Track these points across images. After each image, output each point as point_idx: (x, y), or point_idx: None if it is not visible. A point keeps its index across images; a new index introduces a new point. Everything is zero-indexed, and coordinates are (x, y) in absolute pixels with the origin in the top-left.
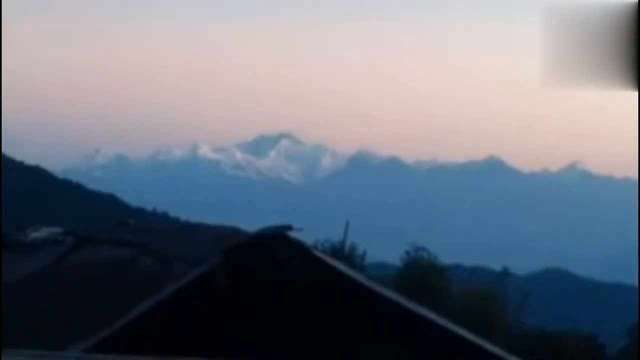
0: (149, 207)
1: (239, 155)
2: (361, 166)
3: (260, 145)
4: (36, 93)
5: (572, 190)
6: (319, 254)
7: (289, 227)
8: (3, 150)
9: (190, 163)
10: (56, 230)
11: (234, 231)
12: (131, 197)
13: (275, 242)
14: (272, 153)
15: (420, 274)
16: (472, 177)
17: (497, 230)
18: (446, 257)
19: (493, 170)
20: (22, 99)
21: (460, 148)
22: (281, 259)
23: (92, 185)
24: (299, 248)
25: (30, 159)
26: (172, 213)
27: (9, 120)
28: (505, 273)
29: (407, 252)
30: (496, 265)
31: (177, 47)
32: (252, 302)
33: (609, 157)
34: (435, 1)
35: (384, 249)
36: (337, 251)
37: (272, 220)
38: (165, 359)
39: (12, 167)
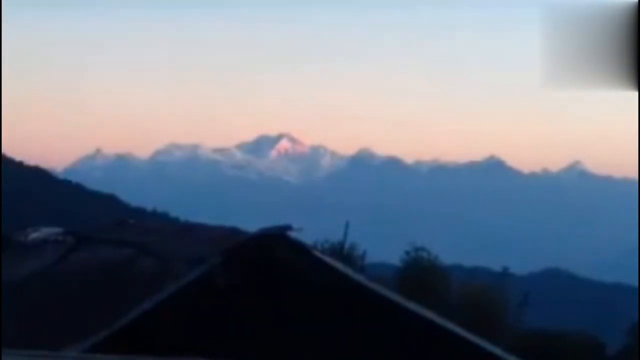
0: (149, 207)
1: (239, 156)
2: (361, 166)
3: (260, 145)
4: (36, 93)
5: (572, 191)
6: (319, 254)
7: (289, 227)
8: (3, 150)
9: (190, 163)
10: (56, 230)
11: (234, 231)
12: (131, 197)
13: (275, 242)
14: (272, 153)
15: (420, 274)
16: (472, 177)
17: (497, 231)
18: (446, 257)
19: (493, 170)
20: (22, 99)
21: (460, 148)
22: (281, 259)
23: (92, 185)
24: (299, 248)
25: (30, 159)
26: (172, 213)
27: (9, 120)
28: (505, 273)
29: (407, 252)
30: (496, 266)
31: (177, 47)
32: (252, 302)
33: (609, 157)
34: (435, 1)
35: (384, 249)
36: (337, 251)
37: (272, 221)
38: (165, 359)
39: (12, 167)
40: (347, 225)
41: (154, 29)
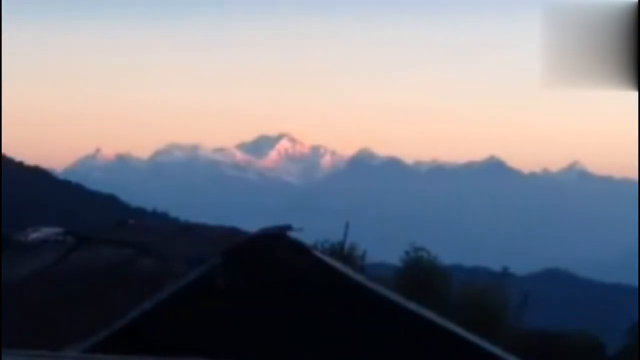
0: (149, 207)
1: (239, 156)
2: (361, 166)
3: (260, 146)
4: (36, 93)
5: (572, 191)
6: (319, 254)
7: (289, 228)
8: (3, 150)
9: (190, 163)
10: (56, 230)
11: (234, 231)
12: (131, 198)
13: (275, 242)
14: (272, 153)
15: (420, 274)
16: (472, 177)
17: (497, 231)
18: (446, 258)
19: (493, 170)
20: (22, 99)
21: (460, 148)
22: (281, 259)
23: (92, 185)
24: (299, 248)
25: (30, 159)
26: (172, 213)
27: (9, 120)
28: (505, 273)
29: (407, 253)
30: (496, 266)
31: (177, 47)
32: (252, 302)
33: (609, 157)
34: (435, 0)
35: (384, 249)
36: (337, 251)
37: (272, 221)
38: (165, 359)
39: (12, 167)
40: (347, 225)
41: (154, 29)
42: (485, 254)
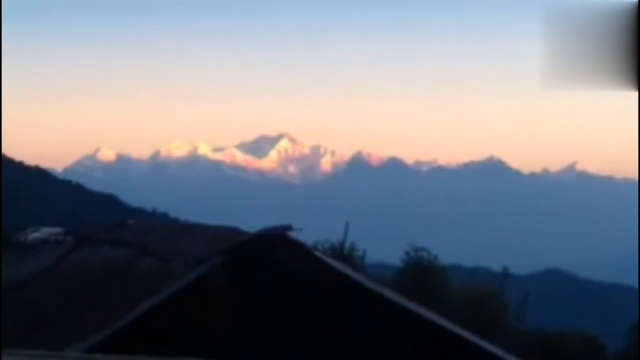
0: (149, 207)
1: (239, 156)
2: (361, 167)
3: (260, 146)
4: (37, 93)
5: (572, 191)
6: (319, 254)
7: (289, 227)
8: (3, 150)
9: (190, 163)
10: (56, 230)
11: (234, 231)
12: (131, 197)
13: (275, 242)
14: (272, 153)
15: (420, 274)
16: (472, 177)
17: (497, 231)
18: (446, 258)
19: (493, 171)
20: (23, 98)
21: (460, 148)
22: (281, 259)
23: (92, 185)
24: (299, 248)
25: (30, 159)
26: (172, 213)
27: (9, 120)
28: (505, 273)
29: (407, 253)
30: (496, 266)
31: (176, 47)
32: (252, 302)
33: (609, 158)
34: (435, 1)
35: (384, 249)
36: (337, 251)
37: (272, 221)
38: (166, 359)
39: (12, 167)
40: (347, 225)
41: (154, 29)
42: (485, 254)
